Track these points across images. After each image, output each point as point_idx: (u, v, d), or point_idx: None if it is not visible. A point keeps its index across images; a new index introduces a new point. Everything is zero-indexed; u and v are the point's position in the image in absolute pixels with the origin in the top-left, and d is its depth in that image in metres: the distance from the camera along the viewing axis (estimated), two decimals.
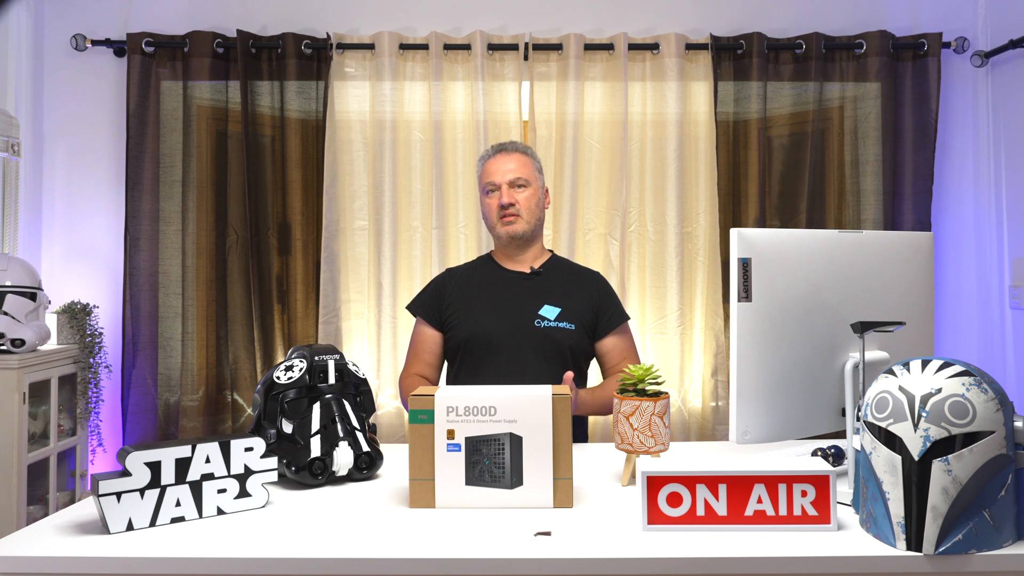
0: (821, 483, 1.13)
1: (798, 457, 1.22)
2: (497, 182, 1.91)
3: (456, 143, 2.79)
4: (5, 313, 2.28)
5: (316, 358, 1.48)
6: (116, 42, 2.77)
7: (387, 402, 2.77)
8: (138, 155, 2.71)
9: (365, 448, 1.43)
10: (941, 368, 1.08)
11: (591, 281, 1.97)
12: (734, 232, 1.27)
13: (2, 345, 2.27)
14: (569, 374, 1.61)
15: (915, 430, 1.04)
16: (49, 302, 2.46)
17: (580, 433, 1.95)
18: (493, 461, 1.25)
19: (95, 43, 2.77)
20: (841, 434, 1.46)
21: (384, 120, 2.77)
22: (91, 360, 2.56)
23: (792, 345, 1.31)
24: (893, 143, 2.77)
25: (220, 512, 1.23)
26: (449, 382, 1.96)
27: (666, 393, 1.37)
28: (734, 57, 2.78)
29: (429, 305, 1.95)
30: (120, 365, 2.72)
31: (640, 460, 1.18)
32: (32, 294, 2.35)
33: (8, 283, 2.31)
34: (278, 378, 1.47)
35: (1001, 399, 1.05)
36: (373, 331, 2.78)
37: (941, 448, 1.03)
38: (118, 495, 1.15)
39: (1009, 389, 2.31)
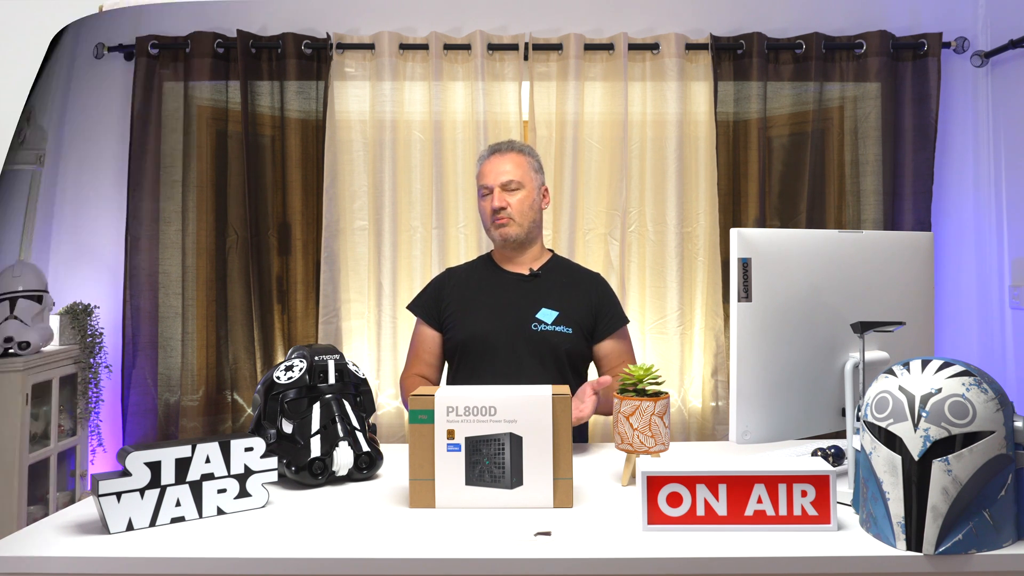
0: (821, 483, 1.13)
1: (798, 457, 1.22)
2: (490, 185, 1.90)
3: (456, 143, 2.79)
4: (15, 317, 2.29)
5: (316, 358, 1.48)
6: (127, 47, 2.78)
7: (387, 402, 2.77)
8: (140, 156, 2.71)
9: (365, 448, 1.43)
10: (941, 368, 1.08)
11: (590, 283, 1.96)
12: (734, 232, 1.27)
13: (10, 348, 2.27)
14: (607, 379, 1.59)
15: (915, 430, 1.04)
16: (53, 304, 2.47)
17: (580, 433, 1.95)
18: (493, 461, 1.25)
19: (111, 50, 2.80)
20: (841, 434, 1.46)
21: (384, 120, 2.77)
22: (91, 360, 2.56)
23: (792, 345, 1.31)
24: (893, 143, 2.77)
25: (220, 512, 1.24)
26: (448, 383, 1.96)
27: (666, 393, 1.37)
28: (734, 57, 2.78)
29: (428, 305, 1.95)
30: (120, 365, 2.71)
31: (640, 460, 1.18)
32: (39, 297, 2.36)
33: (20, 288, 2.32)
34: (278, 378, 1.47)
35: (1001, 399, 1.05)
36: (373, 331, 2.78)
37: (941, 448, 1.03)
38: (118, 495, 1.15)
39: (1009, 389, 2.30)
